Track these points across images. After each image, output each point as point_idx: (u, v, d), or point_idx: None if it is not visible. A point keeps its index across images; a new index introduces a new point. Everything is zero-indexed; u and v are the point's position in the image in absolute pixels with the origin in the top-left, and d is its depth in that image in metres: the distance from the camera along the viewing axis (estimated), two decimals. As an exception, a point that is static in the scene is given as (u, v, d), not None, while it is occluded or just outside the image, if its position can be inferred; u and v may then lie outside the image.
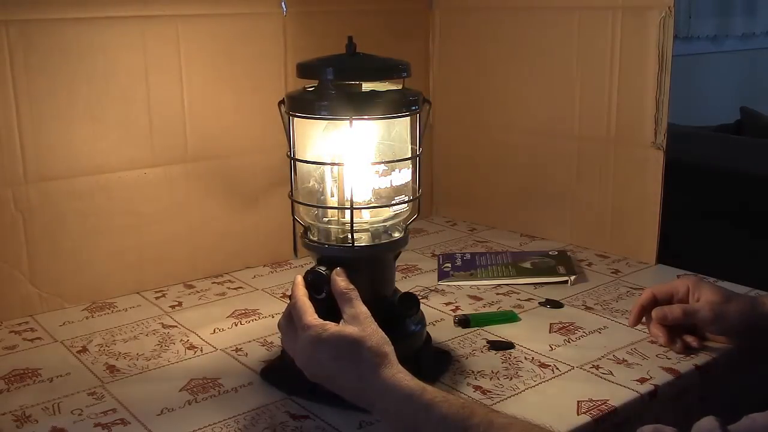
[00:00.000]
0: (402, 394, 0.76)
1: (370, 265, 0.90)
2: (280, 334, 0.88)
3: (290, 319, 0.85)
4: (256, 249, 1.31)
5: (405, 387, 0.76)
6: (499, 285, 1.21)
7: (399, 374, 0.78)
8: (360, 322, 0.81)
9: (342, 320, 0.82)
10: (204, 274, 1.26)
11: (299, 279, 0.87)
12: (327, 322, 0.82)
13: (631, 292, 1.18)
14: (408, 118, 0.90)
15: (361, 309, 0.83)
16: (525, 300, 1.16)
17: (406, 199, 0.91)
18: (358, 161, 0.87)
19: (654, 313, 0.99)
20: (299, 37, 1.28)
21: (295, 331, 0.83)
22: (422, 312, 0.94)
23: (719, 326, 0.96)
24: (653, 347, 1.00)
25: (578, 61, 1.32)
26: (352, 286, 0.85)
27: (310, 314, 0.82)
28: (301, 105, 0.88)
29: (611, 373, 0.93)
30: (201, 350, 1.01)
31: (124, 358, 0.99)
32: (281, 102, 0.90)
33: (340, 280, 0.85)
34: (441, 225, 1.54)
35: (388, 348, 0.80)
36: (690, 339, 0.98)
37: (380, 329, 0.82)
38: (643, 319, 1.03)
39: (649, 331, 1.01)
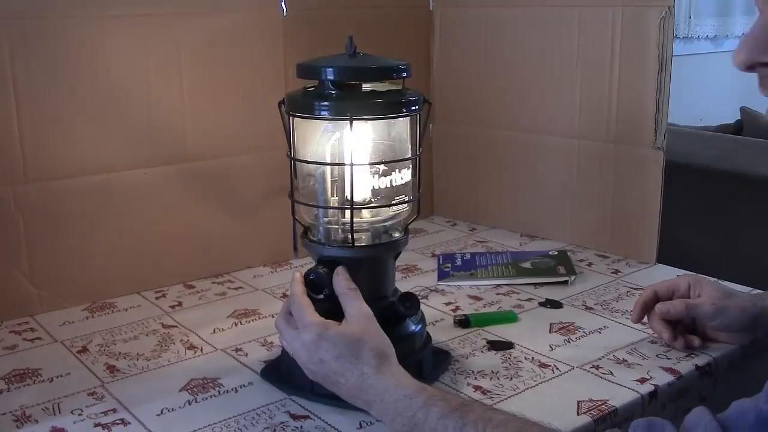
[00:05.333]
0: (401, 393, 0.76)
1: (370, 265, 0.90)
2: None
3: (289, 317, 0.85)
4: (256, 249, 1.31)
5: (404, 386, 0.77)
6: (499, 285, 1.21)
7: (399, 374, 0.79)
8: (362, 322, 0.81)
9: (344, 319, 0.82)
10: (204, 274, 1.26)
11: (298, 275, 0.87)
12: (328, 320, 0.82)
13: (631, 292, 1.18)
14: (408, 118, 0.90)
15: (364, 309, 0.83)
16: (525, 300, 1.16)
17: (406, 199, 0.91)
18: (358, 161, 0.87)
19: (657, 308, 0.99)
20: (299, 37, 1.28)
21: (295, 328, 0.84)
22: (422, 312, 0.94)
23: (720, 321, 0.96)
24: (653, 347, 1.00)
25: (578, 60, 1.32)
26: (354, 285, 0.85)
27: (310, 312, 0.83)
28: (301, 105, 0.88)
29: (611, 373, 0.93)
30: (201, 350, 1.01)
31: (124, 358, 0.99)
32: (281, 102, 0.90)
33: (342, 279, 0.85)
34: (441, 225, 1.54)
35: (389, 350, 0.81)
36: (692, 337, 0.98)
37: (382, 330, 0.82)
38: (644, 318, 1.03)
39: (651, 328, 1.01)
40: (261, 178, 1.28)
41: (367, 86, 0.89)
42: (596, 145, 1.33)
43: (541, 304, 1.14)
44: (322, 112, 0.87)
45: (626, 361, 0.96)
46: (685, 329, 1.00)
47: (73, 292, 1.14)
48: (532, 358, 0.97)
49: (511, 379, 0.92)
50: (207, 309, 1.14)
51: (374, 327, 0.82)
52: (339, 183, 0.89)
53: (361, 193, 0.89)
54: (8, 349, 1.02)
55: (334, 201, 0.90)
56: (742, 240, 1.95)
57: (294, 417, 0.84)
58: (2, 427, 0.83)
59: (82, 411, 0.86)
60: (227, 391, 0.90)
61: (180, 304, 1.16)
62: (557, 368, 0.95)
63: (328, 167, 0.89)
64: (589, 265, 1.30)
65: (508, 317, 1.09)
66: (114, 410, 0.86)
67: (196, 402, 0.88)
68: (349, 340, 0.80)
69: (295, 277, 0.87)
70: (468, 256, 1.33)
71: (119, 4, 1.12)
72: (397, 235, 0.92)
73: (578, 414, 0.84)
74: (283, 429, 0.82)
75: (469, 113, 1.51)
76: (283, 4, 1.26)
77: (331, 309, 0.84)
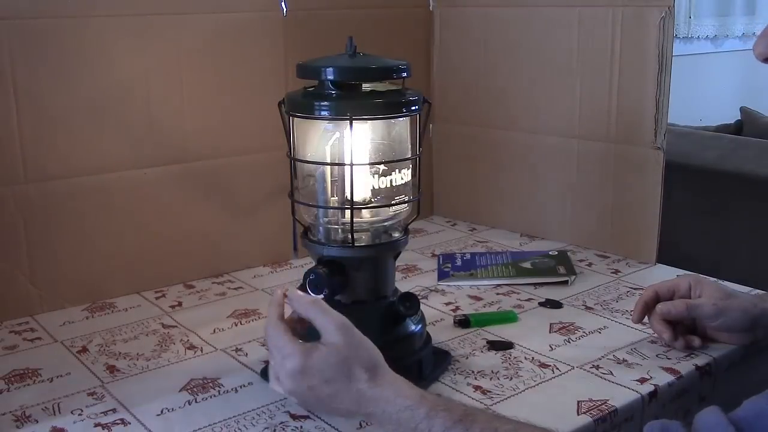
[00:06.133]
0: (403, 404, 0.74)
1: (370, 265, 0.90)
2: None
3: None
4: (256, 249, 1.31)
5: (405, 396, 0.74)
6: (499, 285, 1.21)
7: (397, 382, 0.76)
8: (342, 337, 0.77)
9: (323, 337, 0.77)
10: (204, 274, 1.26)
11: (279, 294, 0.81)
12: (309, 344, 0.77)
13: (631, 292, 1.18)
14: (408, 118, 0.90)
15: (338, 319, 0.78)
16: (525, 300, 1.16)
17: (406, 199, 0.91)
18: (358, 161, 0.87)
19: (658, 308, 0.99)
20: (299, 37, 1.28)
21: (280, 354, 0.78)
22: (422, 312, 0.93)
23: (721, 321, 0.96)
24: (653, 347, 1.00)
25: (578, 60, 1.32)
26: (314, 297, 0.81)
27: (289, 339, 0.77)
28: (301, 105, 0.88)
29: (611, 373, 0.93)
30: (201, 350, 1.01)
31: (124, 358, 0.99)
32: (281, 102, 0.90)
33: (298, 296, 0.80)
34: (441, 225, 1.54)
35: (378, 357, 0.77)
36: (692, 337, 0.98)
37: (365, 337, 0.78)
38: (644, 319, 1.03)
39: (652, 328, 1.01)
40: (261, 178, 1.28)
41: (367, 86, 0.89)
42: (596, 145, 1.33)
43: (541, 304, 1.14)
44: (322, 112, 0.87)
45: (626, 361, 0.96)
46: (685, 329, 1.00)
47: (73, 292, 1.14)
48: (532, 358, 0.97)
49: (511, 379, 0.92)
50: (207, 309, 1.14)
51: (356, 338, 0.77)
52: (339, 183, 0.89)
53: (361, 193, 0.89)
54: (8, 349, 1.02)
55: (334, 201, 0.90)
56: (742, 240, 1.95)
57: (294, 417, 0.84)
58: (2, 427, 0.83)
59: (82, 411, 0.86)
60: (227, 391, 0.90)
61: (180, 304, 1.16)
62: (557, 368, 0.95)
63: (328, 167, 0.89)
64: (589, 265, 1.30)
65: (508, 317, 1.09)
66: (114, 410, 0.86)
67: (196, 402, 0.88)
68: (336, 362, 0.75)
69: (273, 299, 0.81)
70: (468, 256, 1.33)
71: (119, 4, 1.12)
72: (397, 235, 0.92)
73: (578, 414, 0.84)
74: (283, 429, 0.82)
75: (469, 113, 1.51)
76: (283, 4, 1.26)
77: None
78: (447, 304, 1.15)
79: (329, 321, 0.77)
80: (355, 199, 0.87)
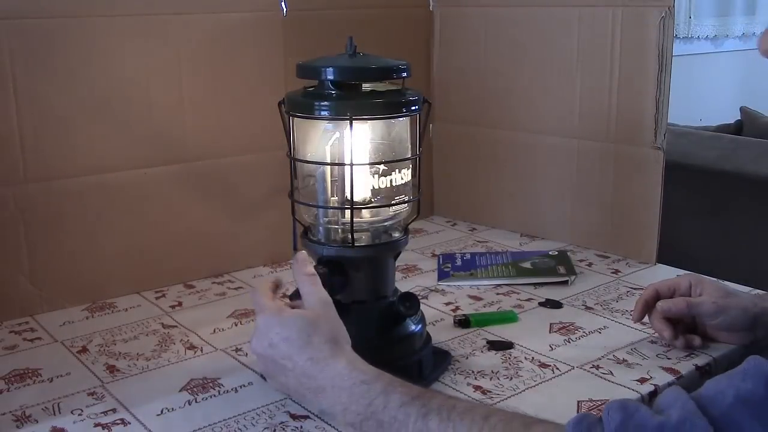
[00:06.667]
0: (357, 378, 0.74)
1: (370, 265, 0.90)
2: None
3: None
4: (256, 249, 1.31)
5: (360, 371, 0.75)
6: (499, 285, 1.21)
7: (354, 359, 0.77)
8: (318, 308, 0.80)
9: (302, 304, 0.82)
10: (204, 274, 1.26)
11: (268, 279, 0.87)
12: (285, 306, 0.82)
13: (631, 292, 1.18)
14: (408, 118, 0.90)
15: (322, 295, 0.81)
16: (525, 300, 1.16)
17: (406, 199, 0.91)
18: (358, 161, 0.87)
19: (658, 305, 0.99)
20: (299, 37, 1.28)
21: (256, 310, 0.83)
22: (422, 312, 0.93)
23: (722, 320, 0.96)
24: (653, 347, 1.00)
25: (578, 60, 1.32)
26: (313, 271, 0.84)
27: (266, 296, 0.82)
28: (301, 105, 0.88)
29: (611, 373, 0.93)
30: (201, 350, 1.01)
31: (124, 358, 0.99)
32: (281, 102, 0.90)
33: (300, 265, 0.84)
34: (441, 225, 1.54)
35: (343, 337, 0.79)
36: (692, 336, 0.98)
37: (338, 318, 0.80)
38: (645, 318, 1.03)
39: (652, 326, 1.01)
40: (261, 178, 1.28)
41: (367, 86, 0.89)
42: (596, 145, 1.33)
43: (541, 304, 1.14)
44: (322, 112, 0.87)
45: (626, 361, 0.96)
46: (685, 329, 1.00)
47: (73, 292, 1.14)
48: (532, 358, 0.97)
49: (511, 379, 0.92)
50: (207, 309, 1.14)
51: (330, 314, 0.80)
52: (339, 183, 0.89)
53: (361, 193, 0.89)
54: (8, 349, 1.02)
55: (334, 201, 0.90)
56: (742, 240, 1.95)
57: (294, 417, 0.84)
58: (2, 427, 0.83)
59: (82, 411, 0.86)
60: (227, 391, 0.90)
61: (180, 304, 1.16)
62: (557, 368, 0.95)
63: (328, 167, 0.89)
64: (589, 265, 1.30)
65: (508, 317, 1.09)
66: (114, 410, 0.86)
67: (196, 402, 0.88)
68: (301, 324, 0.78)
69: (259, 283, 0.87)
70: (468, 256, 1.33)
71: (119, 4, 1.12)
72: (397, 235, 0.92)
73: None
74: (283, 429, 0.82)
75: (469, 113, 1.51)
76: (283, 4, 1.26)
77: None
78: (447, 304, 1.15)
79: (313, 293, 0.81)
80: (355, 199, 0.87)
